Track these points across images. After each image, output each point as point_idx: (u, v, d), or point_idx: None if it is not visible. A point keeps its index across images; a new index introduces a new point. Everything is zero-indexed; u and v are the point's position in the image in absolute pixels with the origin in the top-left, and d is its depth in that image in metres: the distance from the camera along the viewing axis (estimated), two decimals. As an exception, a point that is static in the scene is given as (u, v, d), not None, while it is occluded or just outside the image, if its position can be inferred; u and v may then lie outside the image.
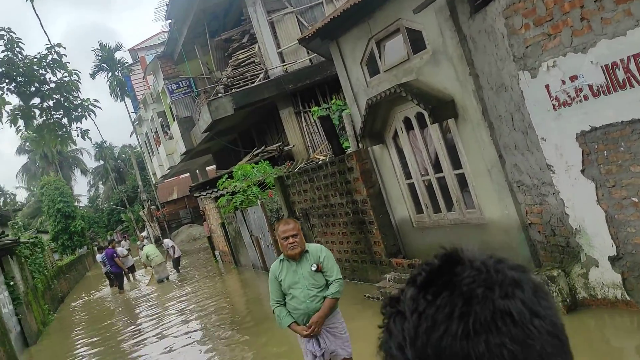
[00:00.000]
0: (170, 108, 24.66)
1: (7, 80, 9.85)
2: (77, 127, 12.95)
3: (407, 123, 7.53)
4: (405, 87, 6.86)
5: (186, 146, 23.16)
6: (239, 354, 7.94)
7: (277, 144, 17.98)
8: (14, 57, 9.73)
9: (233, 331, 9.10)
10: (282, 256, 4.85)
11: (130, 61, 38.82)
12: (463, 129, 6.61)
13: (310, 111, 17.25)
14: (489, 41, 5.81)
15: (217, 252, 18.92)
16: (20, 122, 10.29)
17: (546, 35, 5.04)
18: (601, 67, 4.61)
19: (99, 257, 19.33)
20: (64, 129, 10.74)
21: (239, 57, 18.76)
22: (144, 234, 40.33)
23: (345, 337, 4.83)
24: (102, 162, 58.00)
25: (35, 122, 10.23)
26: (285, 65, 17.56)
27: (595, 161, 4.98)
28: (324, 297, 4.73)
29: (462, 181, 7.00)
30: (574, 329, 5.42)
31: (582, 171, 5.13)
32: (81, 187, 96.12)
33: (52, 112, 10.45)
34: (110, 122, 57.29)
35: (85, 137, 11.50)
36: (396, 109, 7.57)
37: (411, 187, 7.90)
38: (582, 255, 5.42)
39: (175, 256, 19.51)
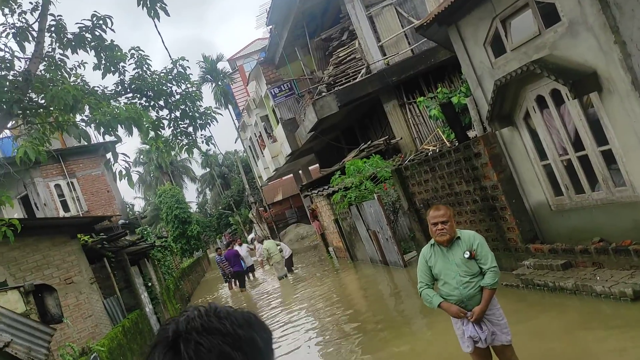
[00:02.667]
0: (273, 111, 25.37)
1: (138, 96, 10.54)
2: (201, 135, 13.61)
3: (540, 102, 7.17)
4: (539, 63, 6.53)
5: (291, 147, 23.71)
6: (358, 351, 7.91)
7: (383, 138, 17.91)
8: (144, 74, 10.38)
9: (355, 328, 9.09)
10: (432, 241, 4.80)
11: (229, 70, 40.47)
12: (608, 102, 6.18)
13: (415, 102, 17.02)
14: (638, 3, 5.38)
15: (330, 249, 19.17)
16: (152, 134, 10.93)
17: None
18: None
19: (217, 258, 20.19)
20: (190, 137, 11.35)
21: (340, 55, 18.90)
22: (252, 235, 41.86)
23: (504, 324, 4.68)
24: (208, 170, 60.92)
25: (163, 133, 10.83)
26: (386, 58, 17.44)
27: None
28: (478, 284, 4.62)
29: (608, 158, 6.54)
30: None
31: None
32: (190, 194, 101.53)
33: (179, 122, 11.08)
34: (215, 130, 60.04)
35: (210, 143, 12.10)
36: (527, 88, 7.23)
37: (547, 168, 7.52)
38: None
39: (287, 256, 19.83)
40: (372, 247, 13.78)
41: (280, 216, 38.76)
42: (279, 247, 19.35)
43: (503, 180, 8.11)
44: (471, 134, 11.68)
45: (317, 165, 28.09)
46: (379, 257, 13.60)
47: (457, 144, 12.18)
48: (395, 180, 11.19)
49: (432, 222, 4.69)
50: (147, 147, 43.92)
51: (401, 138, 16.99)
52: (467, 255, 4.60)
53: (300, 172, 34.08)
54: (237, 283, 19.12)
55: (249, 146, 35.92)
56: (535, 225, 8.06)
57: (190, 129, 11.29)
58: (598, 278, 6.46)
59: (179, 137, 11.34)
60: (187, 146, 11.41)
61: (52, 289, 6.95)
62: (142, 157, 49.41)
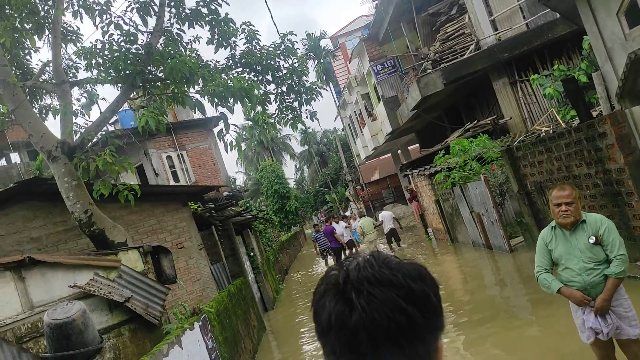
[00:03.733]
0: (375, 89, 25.13)
1: (247, 70, 10.76)
2: (306, 110, 13.73)
3: (683, 76, 6.44)
4: (685, 32, 5.84)
5: (391, 126, 23.41)
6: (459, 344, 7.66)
7: (490, 118, 17.14)
8: (253, 49, 10.56)
9: (455, 315, 8.83)
10: (553, 223, 4.48)
11: (331, 48, 40.57)
12: None
13: (528, 80, 16.08)
14: None
15: (429, 230, 18.82)
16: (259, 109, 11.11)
17: None
18: None
19: (314, 235, 20.46)
20: (295, 112, 11.47)
21: (447, 30, 18.24)
22: (347, 213, 42.16)
23: (632, 315, 4.28)
24: (306, 147, 61.95)
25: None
26: (498, 33, 16.58)
27: None
28: (603, 272, 4.25)
29: None
30: None
31: None
32: (289, 170, 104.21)
33: (285, 97, 11.23)
34: (315, 108, 60.76)
35: (314, 118, 12.18)
36: (667, 61, 6.52)
37: (686, 151, 6.78)
38: None
39: (386, 231, 19.65)
40: (475, 230, 13.31)
41: (376, 195, 38.66)
42: (380, 221, 19.53)
43: (631, 163, 7.42)
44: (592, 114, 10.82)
45: (417, 145, 27.58)
46: (482, 240, 13.12)
47: (574, 124, 11.36)
48: (505, 161, 10.66)
49: (556, 202, 4.37)
50: (250, 123, 45.37)
51: (510, 118, 16.17)
52: (592, 240, 4.24)
53: (399, 151, 33.65)
54: (334, 258, 19.37)
55: (348, 124, 35.96)
56: (667, 213, 7.33)
57: (296, 104, 11.42)
58: None
59: (284, 112, 11.51)
60: (292, 121, 11.55)
61: (167, 251, 7.36)
62: (244, 133, 51.17)
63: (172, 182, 20.94)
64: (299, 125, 10.81)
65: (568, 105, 14.27)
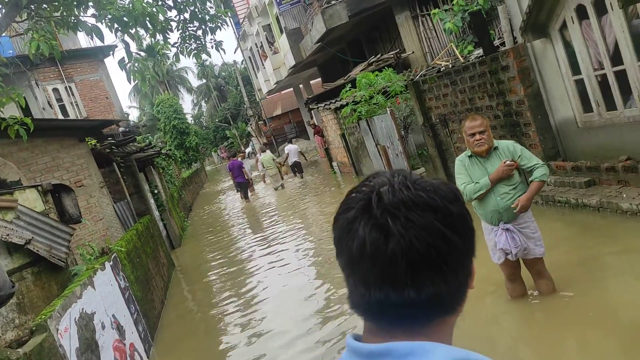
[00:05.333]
0: (277, 20, 24.43)
1: (144, -7, 9.92)
2: (211, 39, 12.98)
3: (581, 11, 6.79)
4: (587, -32, 6.11)
5: (295, 59, 23.04)
6: None
7: (393, 52, 17.36)
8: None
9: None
10: (468, 152, 4.67)
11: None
12: (658, 12, 5.84)
13: (429, 14, 16.35)
14: None
15: (335, 164, 19.15)
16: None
17: None
18: None
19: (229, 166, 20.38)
20: (199, 41, 10.87)
21: (351, -39, 17.92)
22: (249, 149, 41.80)
23: (538, 237, 4.64)
24: (204, 81, 59.75)
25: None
26: (401, -35, 16.56)
27: None
28: (516, 196, 4.53)
29: (648, 74, 6.29)
30: None
31: None
32: (186, 105, 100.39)
33: (188, 25, 10.56)
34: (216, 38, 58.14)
35: (220, 48, 11.61)
36: (567, -4, 6.83)
37: (579, 84, 7.27)
38: None
39: (291, 162, 20.43)
40: (380, 162, 13.70)
41: (279, 130, 38.52)
42: (285, 154, 20.01)
43: (530, 96, 7.87)
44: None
45: (319, 79, 27.52)
46: (386, 172, 13.56)
47: (471, 59, 11.78)
48: (411, 94, 10.90)
49: (470, 132, 4.55)
50: (143, 54, 42.64)
51: (412, 52, 16.48)
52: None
53: (300, 86, 33.43)
54: (241, 194, 19.27)
55: (249, 57, 34.96)
56: (559, 143, 7.92)
57: (200, 33, 10.80)
58: (624, 196, 6.41)
59: (188, 41, 10.87)
60: (195, 51, 10.95)
61: (69, 189, 6.85)
62: (137, 64, 48.14)
63: (61, 117, 19.40)
64: (207, 54, 10.30)
65: (466, 41, 14.77)
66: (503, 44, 9.18)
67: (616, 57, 6.58)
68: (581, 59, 7.04)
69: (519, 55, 7.80)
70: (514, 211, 4.46)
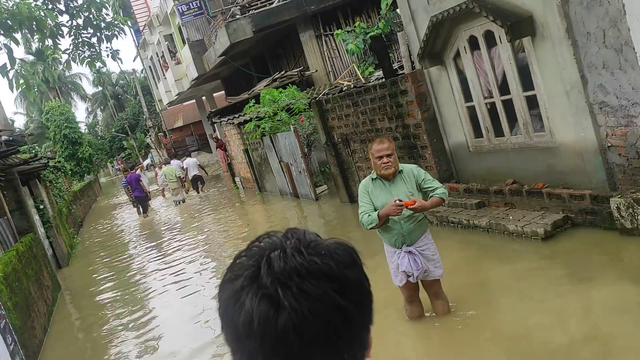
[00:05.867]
0: (180, 31, 23.80)
1: (33, -5, 9.26)
2: (107, 48, 12.34)
3: (473, 42, 7.19)
4: (478, 2, 6.47)
5: (197, 71, 22.55)
6: None
7: (297, 69, 17.50)
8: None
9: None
10: (373, 175, 4.74)
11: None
12: (540, 47, 6.30)
13: (332, 34, 16.68)
14: (585, -50, 5.41)
15: (237, 179, 18.86)
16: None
17: (663, -58, 4.67)
18: None
19: (124, 181, 19.33)
20: (93, 49, 10.30)
21: (257, -24, 17.92)
22: (147, 161, 40.26)
23: (437, 258, 4.78)
24: (100, 89, 56.90)
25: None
26: (306, -15, 16.81)
27: (703, 80, 4.76)
28: (419, 219, 4.65)
29: (531, 103, 6.77)
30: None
31: (686, 91, 4.91)
32: (80, 113, 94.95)
33: (82, 31, 9.98)
34: (114, 46, 55.54)
35: (116, 57, 11.07)
36: (461, 27, 7.21)
37: (470, 110, 7.67)
38: (673, 179, 5.30)
39: (191, 177, 20.00)
40: (283, 179, 13.68)
41: (180, 143, 37.43)
42: (182, 168, 19.54)
43: (426, 119, 8.19)
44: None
45: (223, 92, 27.12)
46: (289, 189, 13.55)
47: (372, 80, 12.15)
48: (314, 113, 11.00)
49: (377, 155, 4.60)
50: (31, 57, 39.82)
51: (316, 70, 16.70)
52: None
53: (203, 98, 32.76)
54: (138, 208, 18.40)
55: (150, 67, 33.75)
56: (452, 165, 8.30)
57: (94, 40, 10.24)
58: (511, 218, 6.81)
59: (81, 48, 10.27)
60: (89, 59, 10.37)
61: None
62: (23, 69, 44.86)
63: None
64: (102, 63, 9.75)
65: (367, 62, 15.22)
66: (402, 67, 9.51)
67: (504, 87, 7.02)
68: (473, 87, 7.45)
69: (417, 80, 8.11)
70: (396, 206, 4.42)
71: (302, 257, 0.81)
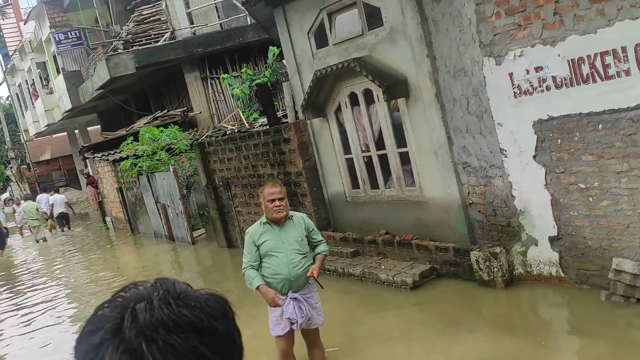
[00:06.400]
0: (55, 59, 22.47)
1: None
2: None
3: (353, 98, 7.57)
4: (360, 62, 6.88)
5: (72, 102, 21.35)
6: None
7: (181, 109, 17.21)
8: None
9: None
10: (263, 219, 4.73)
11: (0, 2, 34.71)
12: (413, 109, 6.80)
13: (218, 78, 16.72)
14: (453, 25, 6.00)
15: (108, 218, 17.81)
16: None
17: (516, 26, 5.32)
18: (567, 60, 4.97)
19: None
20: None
21: (143, 13, 17.64)
22: (6, 195, 36.79)
23: (319, 306, 4.83)
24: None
25: None
26: (194, 27, 16.84)
27: (548, 148, 5.39)
28: (307, 264, 4.70)
29: (404, 159, 7.21)
30: (511, 301, 5.90)
31: (534, 157, 5.53)
32: None
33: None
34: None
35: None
36: (343, 83, 7.57)
37: (349, 162, 7.99)
38: (523, 235, 5.87)
39: (56, 214, 18.81)
40: (159, 220, 13.16)
41: (46, 177, 34.67)
42: (48, 204, 18.19)
43: (307, 168, 8.40)
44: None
45: (99, 126, 25.81)
46: (164, 231, 13.04)
47: (256, 126, 12.28)
48: (196, 155, 10.82)
49: (269, 199, 4.60)
50: None
51: (200, 112, 16.56)
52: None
53: (76, 131, 30.88)
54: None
55: (17, 94, 31.35)
56: (331, 214, 8.53)
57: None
58: (383, 267, 7.10)
59: None
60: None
61: None
62: None
63: None
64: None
65: (252, 108, 15.39)
66: (286, 115, 9.73)
67: (380, 142, 7.43)
68: (352, 140, 7.79)
69: (300, 130, 8.33)
70: (309, 280, 4.60)
71: (169, 308, 0.78)
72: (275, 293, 4.52)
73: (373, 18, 7.05)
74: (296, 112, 8.55)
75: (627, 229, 4.98)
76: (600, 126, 4.92)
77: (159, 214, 13.02)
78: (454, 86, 6.22)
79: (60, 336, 7.89)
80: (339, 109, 7.85)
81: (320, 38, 7.84)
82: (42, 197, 20.06)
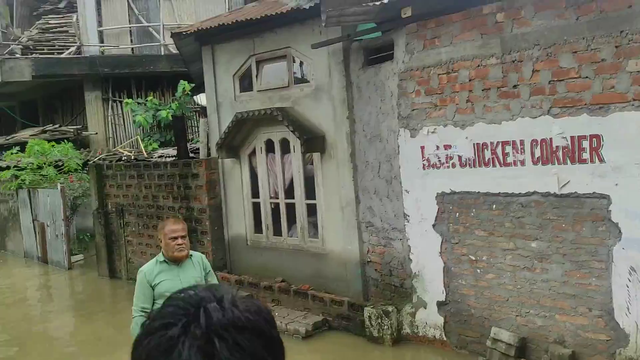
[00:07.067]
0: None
1: None
2: None
3: (269, 145, 7.77)
4: (283, 112, 7.14)
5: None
6: None
7: (75, 127, 16.35)
8: None
9: None
10: (160, 257, 4.49)
11: None
12: (327, 164, 7.12)
13: (121, 101, 16.20)
14: (376, 94, 6.48)
15: (-31, 231, 16.08)
16: None
17: (433, 105, 5.88)
18: (473, 144, 5.57)
19: None
20: None
21: (50, 22, 16.89)
22: None
23: None
24: None
25: None
26: (103, 46, 16.36)
27: (447, 219, 5.90)
28: None
29: (311, 211, 7.46)
30: (396, 359, 6.21)
31: (434, 225, 6.01)
32: None
33: None
34: None
35: None
36: (261, 129, 7.76)
37: (255, 206, 8.09)
38: (415, 297, 6.27)
39: None
40: (34, 240, 12.18)
41: None
42: None
43: (212, 206, 8.36)
44: (169, 151, 11.67)
45: (-27, 130, 23.60)
46: (38, 252, 12.08)
47: (155, 156, 11.99)
48: (92, 176, 10.31)
49: (171, 236, 4.37)
50: None
51: (96, 133, 15.84)
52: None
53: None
54: None
55: None
56: (228, 255, 8.48)
57: None
58: (276, 314, 7.14)
59: None
60: None
61: None
62: None
63: None
64: None
65: (152, 138, 15.02)
66: (197, 150, 9.67)
67: (290, 191, 7.64)
68: (262, 185, 7.93)
69: (210, 167, 8.33)
70: None
71: (239, 310, 0.85)
72: None
73: (301, 73, 7.40)
74: (209, 149, 8.56)
75: (506, 301, 5.54)
76: (494, 206, 5.52)
77: (35, 233, 12.07)
78: (369, 150, 6.64)
79: None
80: (253, 153, 7.99)
81: (245, 82, 8.04)
82: None
